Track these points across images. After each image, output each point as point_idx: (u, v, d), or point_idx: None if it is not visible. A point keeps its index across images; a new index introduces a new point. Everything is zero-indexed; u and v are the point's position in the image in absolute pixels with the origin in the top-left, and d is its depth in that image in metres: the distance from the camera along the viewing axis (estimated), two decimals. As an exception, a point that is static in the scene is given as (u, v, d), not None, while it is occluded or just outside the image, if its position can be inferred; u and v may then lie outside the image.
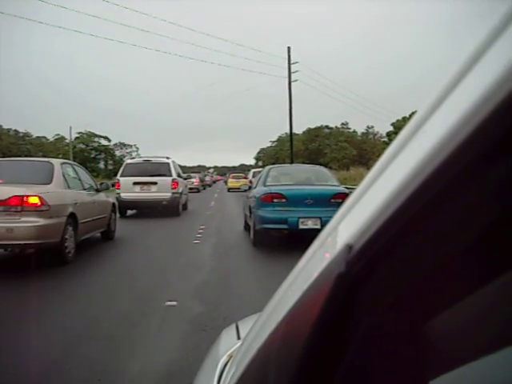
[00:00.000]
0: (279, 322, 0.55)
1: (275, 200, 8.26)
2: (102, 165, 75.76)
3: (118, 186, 14.75)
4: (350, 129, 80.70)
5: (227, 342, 1.18)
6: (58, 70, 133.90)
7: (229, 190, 38.35)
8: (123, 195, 14.54)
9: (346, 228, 0.47)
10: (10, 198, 6.50)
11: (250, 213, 9.19)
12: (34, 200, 6.58)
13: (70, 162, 9.16)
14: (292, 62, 34.05)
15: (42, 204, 6.60)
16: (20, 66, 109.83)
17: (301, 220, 8.04)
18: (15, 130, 74.20)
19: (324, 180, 9.42)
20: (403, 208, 0.39)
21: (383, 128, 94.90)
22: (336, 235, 0.50)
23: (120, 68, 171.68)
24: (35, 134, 78.14)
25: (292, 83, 33.73)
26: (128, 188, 14.58)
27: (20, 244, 6.58)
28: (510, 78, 0.31)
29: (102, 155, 77.81)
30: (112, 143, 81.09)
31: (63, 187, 7.52)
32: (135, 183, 14.69)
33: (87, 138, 75.13)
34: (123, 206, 14.52)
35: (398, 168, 0.41)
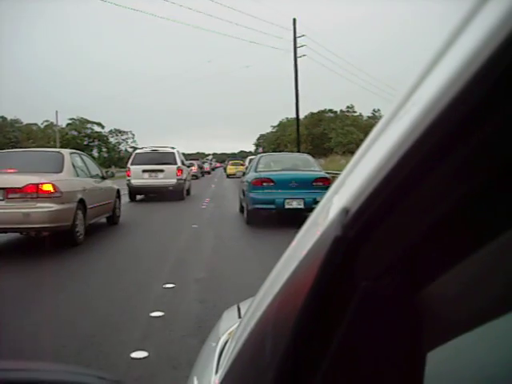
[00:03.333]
0: (277, 293, 0.57)
1: (264, 184, 10.24)
2: (95, 152, 76.55)
3: (129, 173, 17.50)
4: (355, 112, 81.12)
5: (228, 322, 1.24)
6: (49, 54, 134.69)
7: (228, 176, 42.91)
8: (133, 181, 17.39)
9: (342, 195, 0.49)
10: (26, 185, 7.60)
11: (244, 195, 11.27)
12: (47, 187, 7.71)
13: (77, 151, 10.35)
14: (298, 35, 32.74)
15: (55, 191, 7.73)
16: (8, 50, 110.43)
17: (287, 201, 10.00)
18: (2, 117, 74.37)
19: (308, 166, 11.36)
20: (396, 168, 0.40)
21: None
22: (330, 206, 0.51)
23: (113, 50, 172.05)
24: (26, 121, 79.07)
25: (298, 60, 32.33)
26: (138, 175, 17.36)
27: (36, 227, 7.72)
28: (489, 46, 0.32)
29: (96, 142, 78.80)
30: (107, 130, 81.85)
31: (73, 175, 8.71)
32: (144, 171, 17.39)
33: (79, 124, 76.05)
34: (133, 192, 17.67)
35: (391, 132, 0.43)
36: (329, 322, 0.46)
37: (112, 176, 11.35)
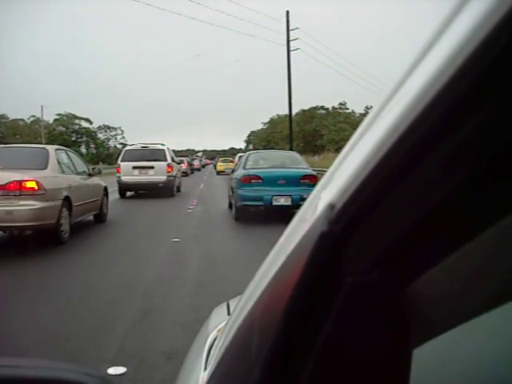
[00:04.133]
0: (264, 289, 0.58)
1: (253, 181, 10.51)
2: (83, 149, 76.17)
3: (119, 170, 17.57)
4: (347, 109, 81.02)
5: (217, 319, 1.24)
6: (36, 47, 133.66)
7: (218, 173, 43.69)
8: (123, 178, 17.47)
9: (329, 191, 0.49)
10: (9, 182, 7.48)
11: (232, 192, 11.54)
12: (31, 184, 7.58)
13: (63, 148, 10.21)
14: (291, 27, 32.56)
15: (39, 188, 7.60)
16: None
17: (274, 198, 10.31)
18: (-15, 113, 73.23)
19: (295, 164, 11.61)
20: (382, 163, 0.40)
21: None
22: (318, 202, 0.51)
23: (101, 44, 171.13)
24: (12, 116, 78.36)
25: (291, 54, 32.14)
26: (128, 172, 17.42)
27: (19, 226, 7.61)
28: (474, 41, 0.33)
29: (84, 138, 78.33)
30: (95, 126, 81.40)
31: (58, 172, 8.58)
32: (134, 167, 17.48)
33: (67, 120, 75.56)
34: (123, 188, 17.80)
35: (378, 127, 0.44)
36: (315, 317, 0.47)
37: (99, 173, 11.22)
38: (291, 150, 30.73)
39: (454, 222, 0.41)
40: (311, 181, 10.16)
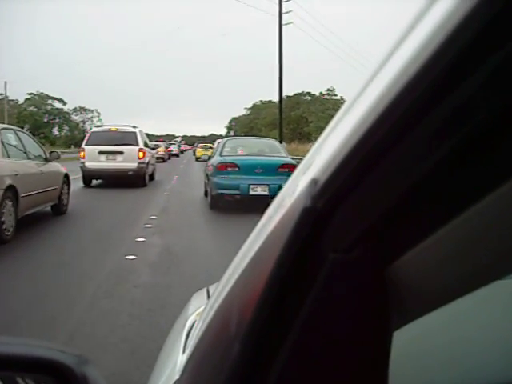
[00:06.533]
0: (245, 267, 0.58)
1: (229, 168, 10.25)
2: (56, 131, 74.48)
3: (83, 154, 15.66)
4: (336, 95, 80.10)
5: (196, 303, 1.24)
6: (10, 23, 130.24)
7: (197, 159, 43.88)
8: (88, 164, 15.49)
9: (312, 168, 0.49)
10: None
11: (208, 180, 11.36)
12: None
13: (12, 127, 9.10)
14: None
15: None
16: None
17: (251, 186, 10.06)
18: None
19: (274, 152, 11.44)
20: (365, 137, 0.40)
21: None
22: (295, 188, 0.51)
23: (75, 21, 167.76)
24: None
25: (282, 28, 30.39)
26: (93, 157, 15.48)
27: None
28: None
29: (57, 120, 76.52)
30: (71, 108, 79.71)
31: (1, 156, 7.45)
32: (100, 152, 15.60)
33: (39, 99, 73.68)
34: (88, 176, 15.81)
35: (363, 101, 0.43)
36: (296, 293, 0.47)
37: (57, 158, 10.00)
38: (281, 136, 30.07)
39: (440, 198, 0.40)
40: (290, 170, 9.71)
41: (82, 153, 15.80)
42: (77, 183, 14.69)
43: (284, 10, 31.29)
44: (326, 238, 0.45)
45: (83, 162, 15.59)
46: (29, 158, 8.57)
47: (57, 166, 9.90)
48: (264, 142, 13.64)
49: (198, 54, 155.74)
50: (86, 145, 15.92)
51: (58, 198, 9.67)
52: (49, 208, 9.55)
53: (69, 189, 10.50)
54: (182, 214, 10.72)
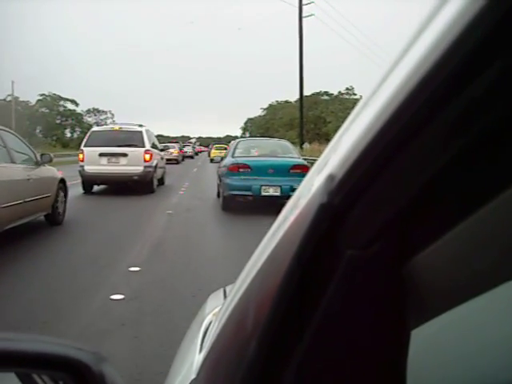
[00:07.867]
0: (261, 266, 0.57)
1: (241, 169, 10.36)
2: (68, 132, 74.24)
3: (82, 157, 13.99)
4: (355, 95, 78.62)
5: (213, 303, 1.23)
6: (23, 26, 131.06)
7: (211, 160, 43.96)
8: (87, 168, 13.77)
9: (328, 165, 0.48)
10: None
11: (220, 181, 11.57)
12: None
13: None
14: None
15: None
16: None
17: (263, 187, 10.16)
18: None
19: (286, 152, 11.54)
20: (383, 132, 0.40)
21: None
22: (311, 187, 0.50)
23: (91, 21, 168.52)
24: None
25: (302, 21, 29.71)
26: (93, 160, 13.76)
27: None
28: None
29: (69, 121, 76.25)
30: (84, 109, 79.58)
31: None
32: (101, 154, 13.89)
33: (51, 101, 73.46)
34: (87, 181, 14.09)
35: (380, 95, 0.43)
36: (313, 290, 0.47)
37: (49, 161, 8.81)
38: (301, 137, 29.35)
39: (457, 194, 0.40)
40: (302, 171, 9.85)
41: (81, 155, 14.05)
42: (79, 189, 13.78)
43: (304, 1, 30.48)
44: (343, 234, 0.44)
45: (82, 166, 13.88)
46: (13, 162, 7.45)
47: (51, 171, 8.80)
48: (276, 142, 13.67)
49: (213, 54, 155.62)
50: (85, 146, 14.17)
51: (51, 206, 8.51)
52: (42, 217, 8.43)
53: (66, 196, 9.30)
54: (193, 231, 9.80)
